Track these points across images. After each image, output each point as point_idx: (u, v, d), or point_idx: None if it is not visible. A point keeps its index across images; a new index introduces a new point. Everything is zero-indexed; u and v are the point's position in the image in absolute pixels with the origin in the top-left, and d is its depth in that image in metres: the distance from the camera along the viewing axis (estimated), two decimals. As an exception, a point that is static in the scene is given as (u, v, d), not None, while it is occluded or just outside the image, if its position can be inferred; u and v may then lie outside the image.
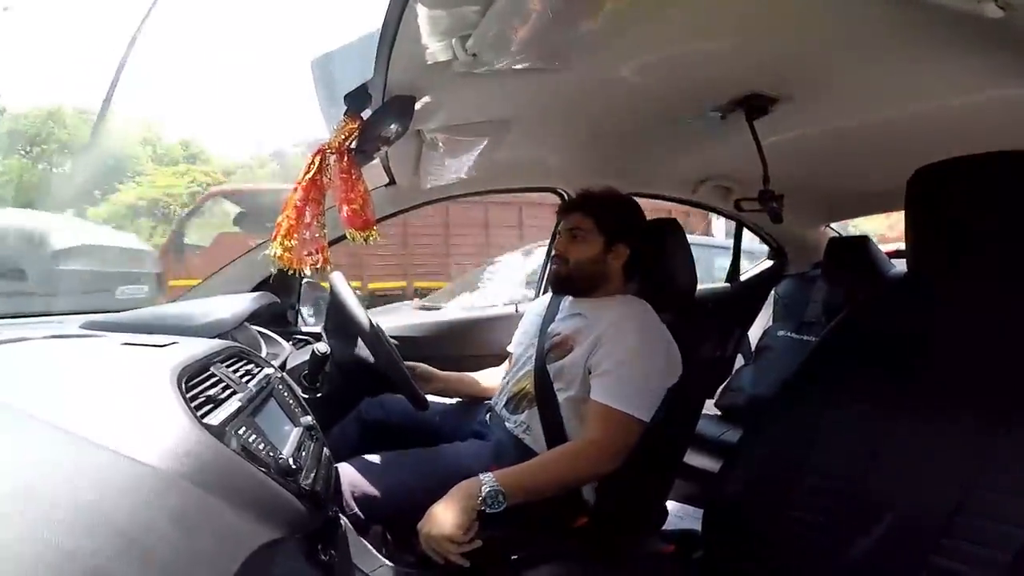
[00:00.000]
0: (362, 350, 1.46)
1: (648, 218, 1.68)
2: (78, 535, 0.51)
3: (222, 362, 1.00)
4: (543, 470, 1.30)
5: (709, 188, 2.44)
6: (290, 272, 1.44)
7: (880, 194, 2.38)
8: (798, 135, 1.70)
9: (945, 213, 0.96)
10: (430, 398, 1.55)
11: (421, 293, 7.57)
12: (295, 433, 1.04)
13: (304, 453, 1.00)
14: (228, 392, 0.90)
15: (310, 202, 1.38)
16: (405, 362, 1.56)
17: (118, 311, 1.48)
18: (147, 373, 0.82)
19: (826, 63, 1.27)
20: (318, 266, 1.42)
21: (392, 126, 1.31)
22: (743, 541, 1.13)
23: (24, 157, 14.27)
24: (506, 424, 1.53)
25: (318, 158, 1.37)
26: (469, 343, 2.16)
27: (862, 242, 2.49)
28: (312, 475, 0.95)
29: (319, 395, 1.46)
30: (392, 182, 1.94)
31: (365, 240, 1.47)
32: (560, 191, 2.29)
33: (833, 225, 3.04)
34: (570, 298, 1.62)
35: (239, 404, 0.89)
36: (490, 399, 1.73)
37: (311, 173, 1.37)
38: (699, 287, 1.68)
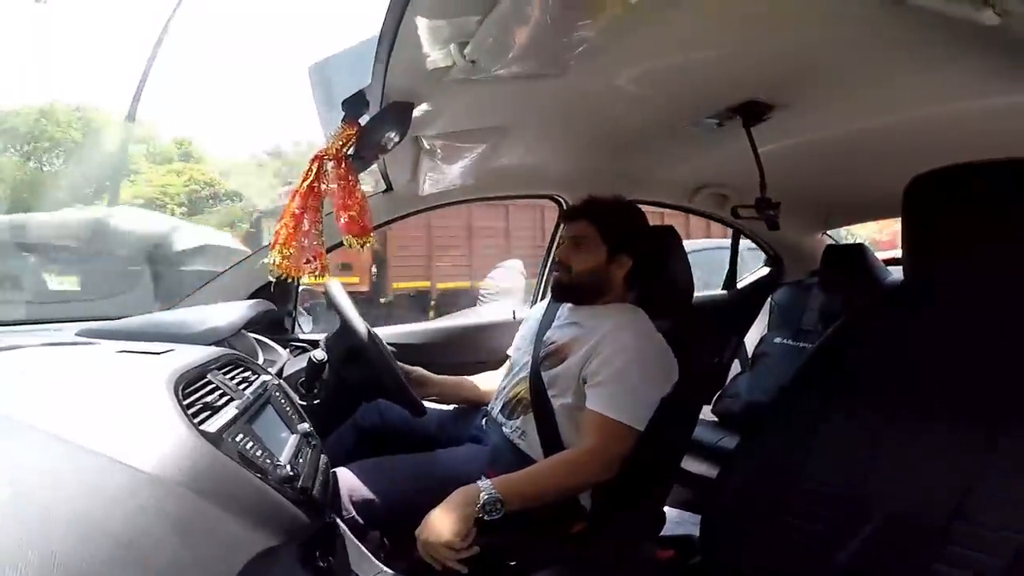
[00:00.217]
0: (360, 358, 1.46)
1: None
2: (74, 542, 0.51)
3: (219, 369, 1.00)
4: (541, 478, 1.30)
5: (706, 195, 2.45)
6: (288, 279, 1.44)
7: (877, 201, 2.40)
8: (795, 142, 1.71)
9: (942, 220, 0.96)
10: (427, 404, 1.55)
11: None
12: (292, 440, 1.04)
13: (301, 460, 1.00)
14: (225, 399, 0.90)
15: (308, 209, 1.38)
16: (400, 366, 1.56)
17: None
18: (143, 380, 0.81)
19: (823, 70, 1.28)
20: (316, 273, 1.42)
21: (390, 132, 1.31)
22: (741, 547, 1.13)
23: (16, 155, 14.23)
24: (502, 429, 1.53)
25: (315, 165, 1.37)
26: (468, 350, 2.16)
27: (859, 250, 2.49)
28: (310, 481, 0.95)
29: (316, 402, 1.46)
30: (389, 188, 1.95)
31: (362, 247, 1.47)
32: (558, 198, 2.30)
33: (828, 231, 3.06)
34: (568, 305, 1.62)
35: (236, 411, 0.89)
36: (486, 404, 1.73)
37: (309, 180, 1.37)
38: (696, 294, 1.68)
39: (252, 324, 1.55)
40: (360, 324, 1.43)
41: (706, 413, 2.46)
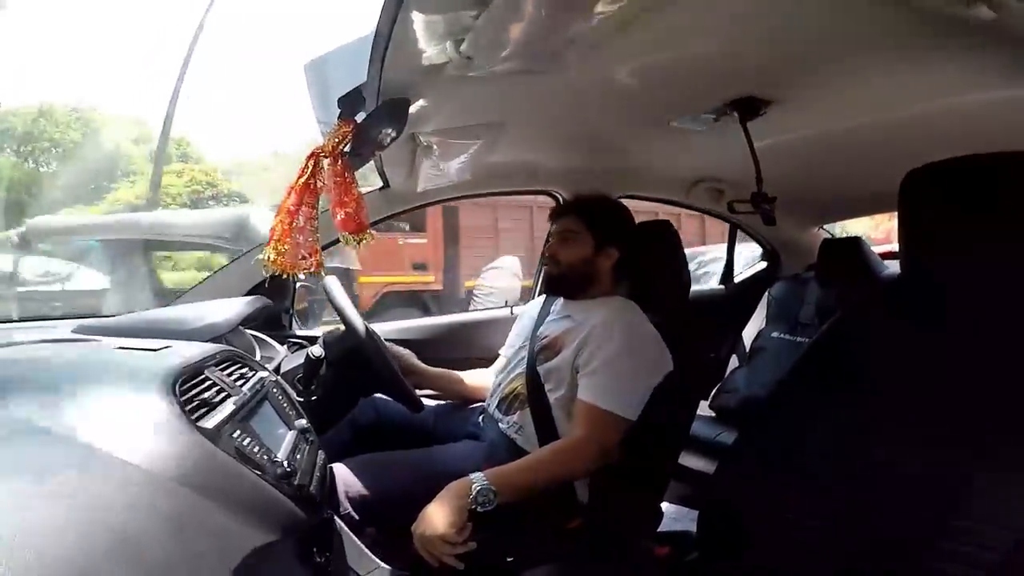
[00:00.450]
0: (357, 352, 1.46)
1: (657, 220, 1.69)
2: (68, 538, 0.51)
3: (216, 366, 1.00)
4: (532, 468, 1.30)
5: (702, 190, 2.45)
6: (284, 276, 1.44)
7: (873, 196, 2.40)
8: (791, 137, 1.71)
9: (938, 215, 0.97)
10: (424, 400, 1.56)
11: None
12: (290, 436, 1.04)
13: (299, 456, 1.00)
14: (222, 396, 0.90)
15: (304, 206, 1.38)
16: (390, 348, 1.56)
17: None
18: (141, 377, 0.81)
19: (819, 66, 1.28)
20: (311, 270, 1.42)
21: (386, 129, 1.31)
22: (738, 543, 1.14)
23: (16, 155, 14.21)
24: (499, 425, 1.53)
25: (311, 162, 1.37)
26: (464, 345, 2.16)
27: (855, 244, 2.49)
28: (306, 478, 0.95)
29: (314, 398, 1.46)
30: (386, 185, 1.95)
31: (358, 244, 1.47)
32: (555, 193, 2.30)
33: (826, 226, 3.06)
34: (561, 300, 1.63)
35: (233, 407, 0.89)
36: (472, 400, 1.76)
37: (305, 177, 1.37)
38: (693, 289, 1.68)
39: (249, 320, 1.55)
40: (358, 321, 1.43)
41: (703, 408, 2.45)
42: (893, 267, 2.44)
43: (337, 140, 1.34)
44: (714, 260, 3.81)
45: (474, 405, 1.75)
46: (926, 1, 0.94)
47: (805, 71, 1.31)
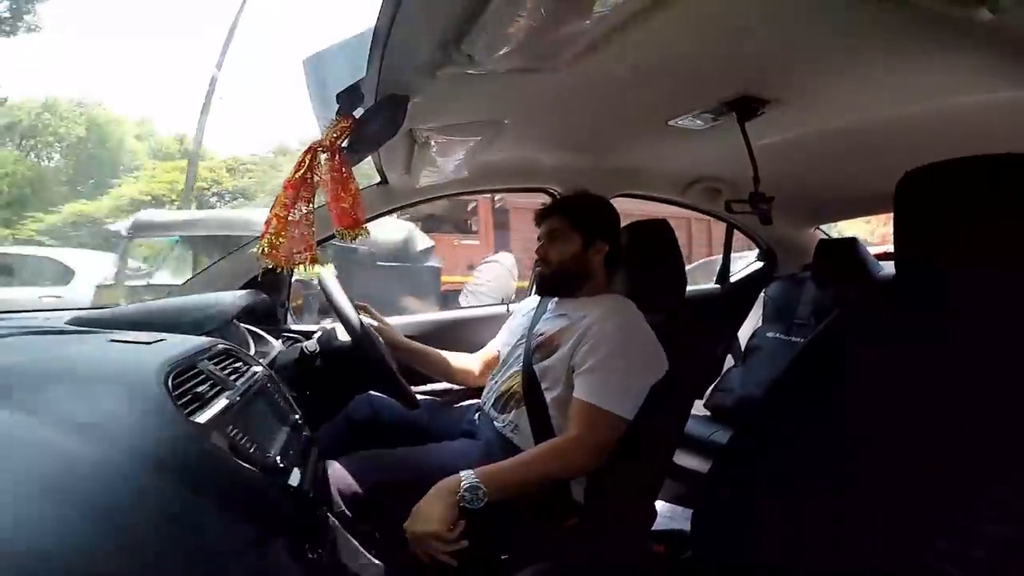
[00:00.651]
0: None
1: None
2: (62, 530, 0.51)
3: (210, 359, 1.00)
4: (524, 467, 1.30)
5: (700, 190, 2.45)
6: (279, 270, 1.43)
7: (870, 197, 2.40)
8: (789, 137, 1.71)
9: (934, 216, 0.97)
10: (420, 397, 1.55)
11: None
12: (283, 432, 1.04)
13: (292, 452, 0.99)
14: (216, 390, 0.90)
15: (300, 200, 1.38)
16: (369, 321, 1.56)
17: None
18: (134, 370, 0.81)
19: (817, 66, 1.28)
20: (306, 264, 1.42)
21: (384, 125, 1.30)
22: (732, 542, 1.14)
23: (18, 149, 14.24)
24: (495, 423, 1.53)
25: (309, 156, 1.36)
26: (459, 342, 2.16)
27: (851, 244, 2.50)
28: (300, 474, 0.94)
29: (308, 393, 1.46)
30: (384, 181, 1.94)
31: (353, 239, 1.47)
32: (552, 191, 2.30)
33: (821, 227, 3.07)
34: (556, 298, 1.63)
35: (227, 402, 0.88)
36: (455, 381, 1.83)
37: (302, 171, 1.36)
38: (688, 288, 1.68)
39: (244, 315, 1.54)
40: (353, 316, 1.43)
41: (698, 407, 2.46)
42: (889, 268, 2.44)
43: (335, 135, 1.33)
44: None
45: (469, 403, 1.75)
46: (924, 2, 0.94)
47: (803, 71, 1.32)
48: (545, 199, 2.01)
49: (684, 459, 2.20)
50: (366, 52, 1.11)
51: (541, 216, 1.67)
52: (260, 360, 1.28)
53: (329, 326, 1.70)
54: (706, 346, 2.46)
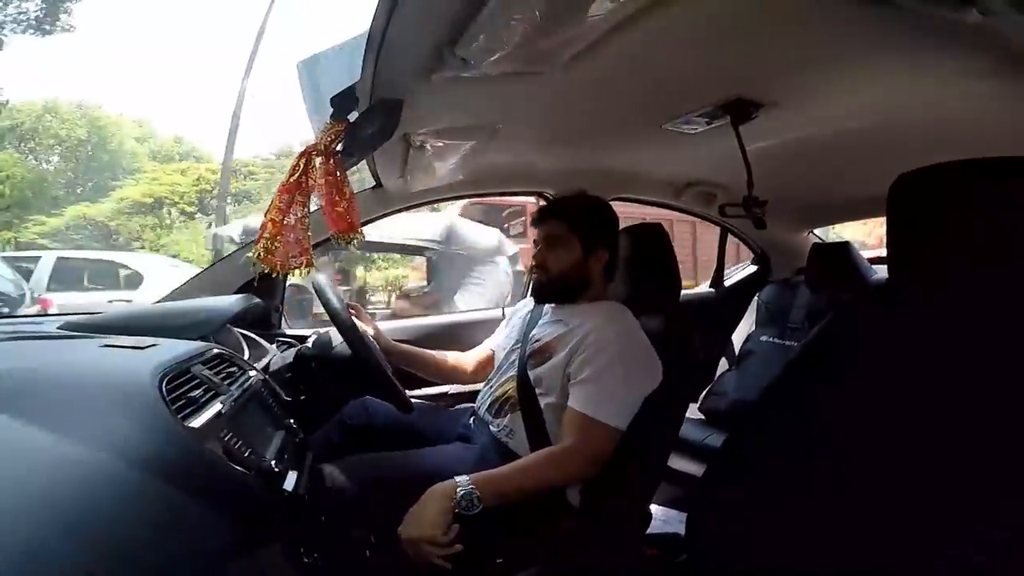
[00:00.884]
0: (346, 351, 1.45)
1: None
2: (56, 535, 0.51)
3: (204, 364, 1.00)
4: (520, 474, 1.30)
5: (694, 193, 2.46)
6: (274, 274, 1.43)
7: (863, 200, 2.41)
8: (782, 141, 1.71)
9: (926, 219, 0.97)
10: (415, 401, 1.55)
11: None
12: (278, 436, 1.04)
13: (287, 456, 0.99)
14: (210, 395, 0.90)
15: (295, 204, 1.38)
16: (358, 323, 1.56)
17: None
18: (127, 374, 0.81)
19: (811, 69, 1.29)
20: (302, 268, 1.42)
21: (379, 129, 1.30)
22: (727, 545, 1.14)
23: (17, 151, 14.23)
24: (490, 428, 1.53)
25: (303, 160, 1.36)
26: (454, 346, 2.16)
27: (844, 248, 2.51)
28: (295, 478, 0.94)
29: (303, 398, 1.45)
30: (379, 185, 1.94)
31: (349, 243, 1.47)
32: (547, 195, 2.30)
33: (816, 232, 3.08)
34: (553, 303, 1.62)
35: (221, 407, 0.88)
36: (448, 381, 1.83)
37: (296, 175, 1.36)
38: (683, 292, 1.68)
39: (239, 319, 1.54)
40: (347, 320, 1.43)
41: (693, 411, 2.46)
42: (882, 271, 2.45)
43: (330, 139, 1.33)
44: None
45: (464, 407, 1.75)
46: (916, 5, 0.95)
47: (797, 75, 1.32)
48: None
49: (679, 463, 2.20)
50: (360, 56, 1.11)
51: (539, 218, 1.64)
52: (254, 364, 1.27)
53: (323, 330, 1.70)
54: (701, 350, 2.47)
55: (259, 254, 1.36)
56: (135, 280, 6.22)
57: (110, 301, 5.73)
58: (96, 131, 15.94)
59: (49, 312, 4.81)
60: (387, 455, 1.44)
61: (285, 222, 1.37)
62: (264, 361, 1.54)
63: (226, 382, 1.00)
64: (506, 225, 9.13)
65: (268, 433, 1.03)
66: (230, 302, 1.50)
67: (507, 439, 1.48)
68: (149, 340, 1.02)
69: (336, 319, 1.40)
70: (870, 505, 0.96)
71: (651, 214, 2.61)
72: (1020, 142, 1.17)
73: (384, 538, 1.21)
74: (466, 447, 1.54)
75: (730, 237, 3.03)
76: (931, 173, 0.95)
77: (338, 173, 1.40)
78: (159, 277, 6.05)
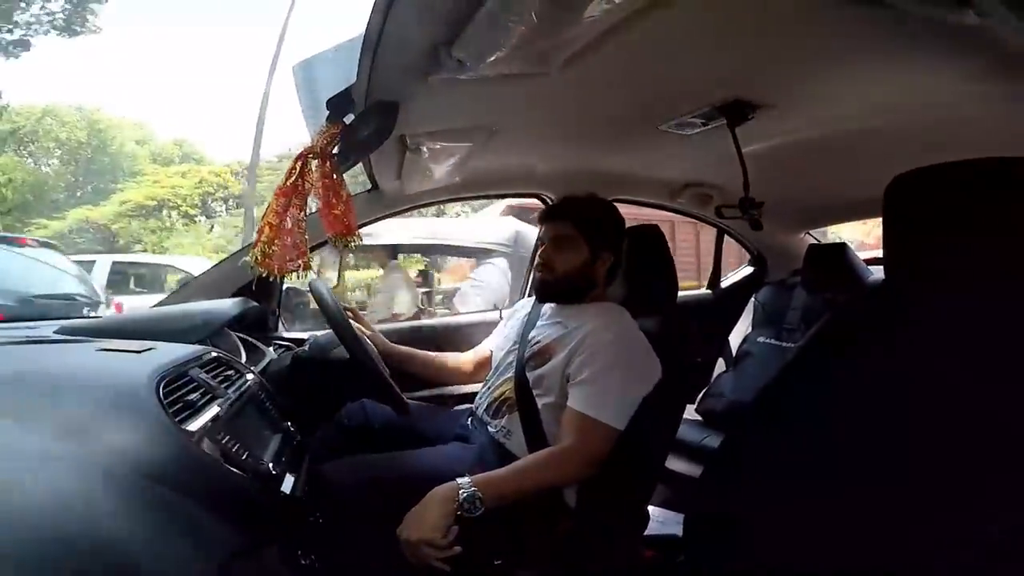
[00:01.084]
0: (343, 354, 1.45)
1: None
2: (53, 537, 0.50)
3: (201, 367, 1.00)
4: (520, 475, 1.30)
5: (691, 195, 2.46)
6: (271, 278, 1.43)
7: (859, 202, 2.42)
8: (779, 142, 1.72)
9: (922, 220, 0.97)
10: (412, 403, 1.55)
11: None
12: (275, 439, 1.04)
13: (284, 458, 0.99)
14: (207, 398, 0.90)
15: (292, 207, 1.38)
16: (354, 323, 1.56)
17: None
18: (124, 378, 0.81)
19: (807, 70, 1.29)
20: (299, 271, 1.42)
21: (375, 131, 1.30)
22: (724, 546, 1.14)
23: (17, 155, 14.23)
24: (488, 428, 1.53)
25: (299, 163, 1.36)
26: (451, 348, 2.16)
27: (840, 249, 2.52)
28: (292, 480, 0.94)
29: (300, 400, 1.45)
30: (375, 187, 1.94)
31: (346, 245, 1.47)
32: (545, 197, 2.30)
33: (812, 232, 3.08)
34: (552, 304, 1.62)
35: (218, 410, 0.88)
36: (445, 382, 1.84)
37: (293, 178, 1.36)
38: (680, 294, 1.68)
39: (236, 322, 1.54)
40: (344, 322, 1.42)
41: (690, 412, 2.46)
42: (878, 272, 2.46)
43: (326, 141, 1.33)
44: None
45: (461, 407, 1.75)
46: (912, 7, 0.95)
47: (793, 76, 1.33)
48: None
49: (676, 464, 2.19)
50: (356, 58, 1.11)
51: (548, 217, 1.64)
52: (251, 368, 1.27)
53: (320, 333, 1.70)
54: (698, 351, 2.48)
55: (256, 257, 1.35)
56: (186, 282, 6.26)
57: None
58: (96, 134, 15.96)
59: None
60: (385, 456, 1.44)
61: (282, 225, 1.37)
62: (261, 364, 1.54)
63: (223, 385, 1.01)
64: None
65: (265, 436, 1.03)
66: (227, 305, 1.50)
67: (505, 440, 1.48)
68: (146, 344, 1.02)
69: (333, 322, 1.40)
70: (869, 505, 0.96)
71: (655, 216, 2.61)
72: (1015, 143, 1.17)
73: (382, 540, 1.21)
74: (464, 447, 1.54)
75: (730, 241, 3.04)
76: (927, 174, 0.95)
77: (335, 176, 1.40)
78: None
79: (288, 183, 1.36)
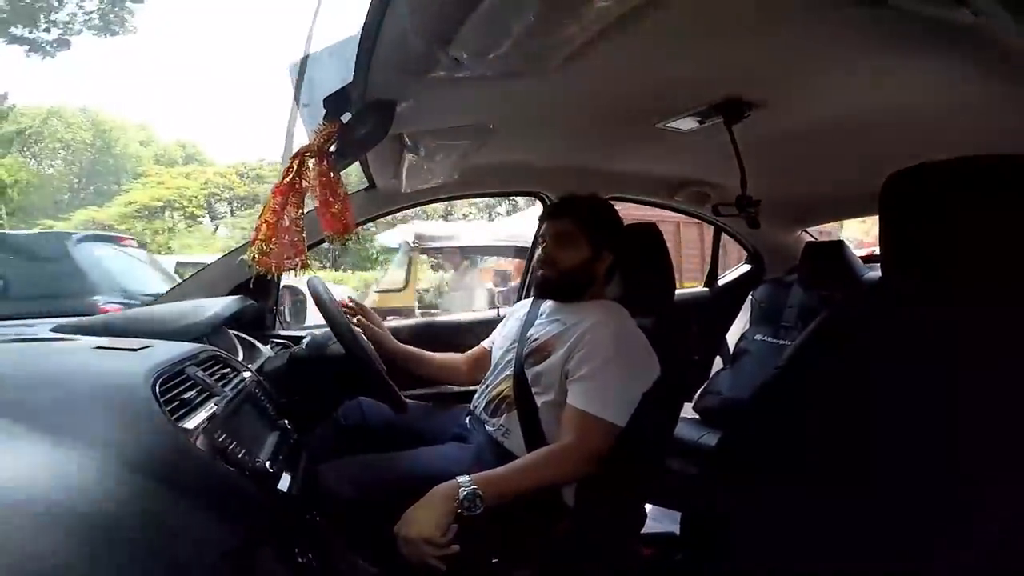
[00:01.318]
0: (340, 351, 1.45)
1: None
2: (50, 535, 0.51)
3: (198, 365, 0.99)
4: (521, 473, 1.30)
5: (688, 193, 2.46)
6: (269, 276, 1.43)
7: (856, 199, 2.42)
8: (775, 140, 1.72)
9: (919, 217, 0.97)
10: (410, 401, 1.55)
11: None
12: (272, 437, 1.04)
13: (281, 456, 0.99)
14: (204, 396, 0.90)
15: (289, 206, 1.38)
16: (362, 315, 1.56)
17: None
18: (121, 376, 0.81)
19: (804, 69, 1.29)
20: (297, 269, 1.42)
21: (371, 130, 1.30)
22: (722, 544, 1.14)
23: (22, 155, 14.23)
24: (486, 427, 1.53)
25: (296, 161, 1.36)
26: (451, 347, 2.16)
27: (837, 248, 2.52)
28: (289, 479, 0.94)
29: (297, 398, 1.45)
30: (372, 185, 1.94)
31: (343, 244, 1.47)
32: (542, 195, 2.31)
33: (812, 230, 3.09)
34: (550, 303, 1.62)
35: (215, 408, 0.88)
36: (440, 381, 1.84)
37: (290, 177, 1.36)
38: (677, 292, 1.69)
39: (232, 320, 1.54)
40: (341, 320, 1.42)
41: (687, 410, 2.46)
42: (875, 270, 2.46)
43: (323, 140, 1.33)
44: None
45: (460, 407, 1.75)
46: (908, 5, 0.95)
47: (789, 74, 1.33)
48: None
49: (673, 462, 2.19)
50: (353, 57, 1.10)
51: (551, 215, 1.64)
52: (248, 365, 1.27)
53: (317, 331, 1.70)
54: (695, 349, 2.48)
55: (254, 256, 1.35)
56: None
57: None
58: (100, 135, 15.98)
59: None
60: (382, 455, 1.44)
61: (280, 224, 1.37)
62: (259, 362, 1.54)
63: (220, 383, 1.00)
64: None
65: (262, 434, 1.03)
66: (224, 304, 1.50)
67: (503, 438, 1.48)
68: (143, 342, 1.02)
69: (331, 320, 1.40)
70: (867, 504, 0.96)
71: (657, 216, 2.61)
72: (1011, 140, 1.17)
73: (379, 538, 1.21)
74: (462, 447, 1.54)
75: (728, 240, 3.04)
76: (923, 171, 0.95)
77: (331, 174, 1.39)
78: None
79: (285, 181, 1.36)
